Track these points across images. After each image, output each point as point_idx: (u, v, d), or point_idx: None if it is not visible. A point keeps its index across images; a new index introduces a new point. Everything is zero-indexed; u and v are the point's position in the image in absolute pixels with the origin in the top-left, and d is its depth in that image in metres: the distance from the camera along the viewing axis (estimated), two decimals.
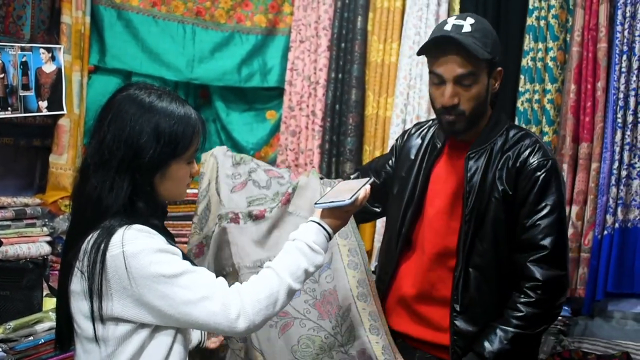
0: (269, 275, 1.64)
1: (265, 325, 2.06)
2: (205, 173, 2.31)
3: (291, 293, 1.65)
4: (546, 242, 1.92)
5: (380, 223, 3.48)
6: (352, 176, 2.36)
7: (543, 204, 1.95)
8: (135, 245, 1.52)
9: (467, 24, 1.93)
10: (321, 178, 2.25)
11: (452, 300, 2.02)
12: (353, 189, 1.77)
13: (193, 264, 1.63)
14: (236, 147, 3.87)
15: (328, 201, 1.73)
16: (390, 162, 2.33)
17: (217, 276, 1.62)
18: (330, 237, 1.74)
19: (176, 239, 3.64)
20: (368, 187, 1.80)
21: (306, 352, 2.08)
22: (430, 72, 2.01)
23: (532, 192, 1.95)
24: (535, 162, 1.97)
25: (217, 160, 2.31)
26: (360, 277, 2.11)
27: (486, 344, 1.92)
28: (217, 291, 1.57)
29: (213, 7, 3.73)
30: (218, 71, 3.74)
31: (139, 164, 1.58)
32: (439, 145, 2.15)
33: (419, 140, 2.22)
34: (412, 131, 2.30)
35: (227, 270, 2.16)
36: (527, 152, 1.99)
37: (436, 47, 1.96)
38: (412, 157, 2.20)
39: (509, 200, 1.97)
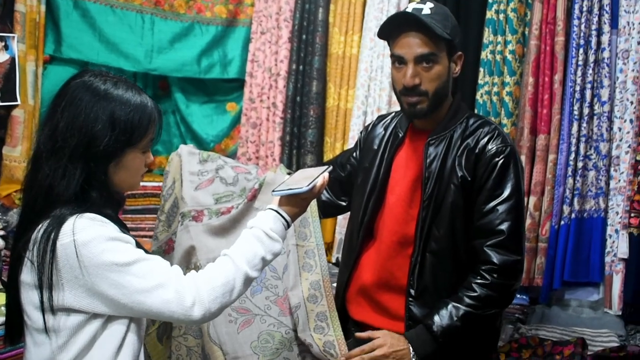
0: (225, 262, 1.62)
1: (225, 320, 2.05)
2: (170, 172, 2.30)
3: (248, 281, 1.64)
4: (503, 227, 1.93)
5: (342, 215, 3.48)
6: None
7: (501, 190, 1.96)
8: (86, 234, 1.49)
9: (427, 8, 1.97)
10: (289, 173, 2.25)
11: (408, 286, 2.03)
12: (311, 176, 1.77)
13: (146, 252, 1.60)
14: (196, 139, 3.84)
15: (286, 189, 1.72)
16: (354, 154, 2.34)
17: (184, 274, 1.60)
18: (288, 225, 1.73)
19: (135, 233, 3.61)
20: (326, 174, 1.79)
21: (266, 347, 2.07)
22: (391, 55, 2.04)
23: (490, 177, 1.97)
24: (494, 148, 1.98)
25: (181, 159, 2.30)
26: (314, 279, 2.11)
27: (436, 318, 1.93)
28: (171, 279, 1.54)
29: None
30: (177, 62, 3.69)
31: (93, 152, 1.54)
32: (400, 134, 2.15)
33: (382, 131, 2.23)
34: (376, 122, 2.31)
35: (191, 268, 2.15)
36: (486, 139, 2.00)
37: (397, 28, 1.98)
38: (375, 147, 2.21)
39: (468, 186, 1.99)
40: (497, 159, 1.98)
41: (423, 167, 2.04)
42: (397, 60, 2.01)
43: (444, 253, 2.02)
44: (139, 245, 1.61)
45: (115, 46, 3.58)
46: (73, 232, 1.48)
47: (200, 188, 2.24)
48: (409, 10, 1.99)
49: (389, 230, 2.12)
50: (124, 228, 1.65)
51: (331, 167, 1.88)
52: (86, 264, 1.48)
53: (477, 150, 2.00)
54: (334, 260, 3.52)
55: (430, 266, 2.02)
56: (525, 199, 3.14)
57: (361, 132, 2.38)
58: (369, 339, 1.99)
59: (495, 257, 1.92)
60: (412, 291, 2.03)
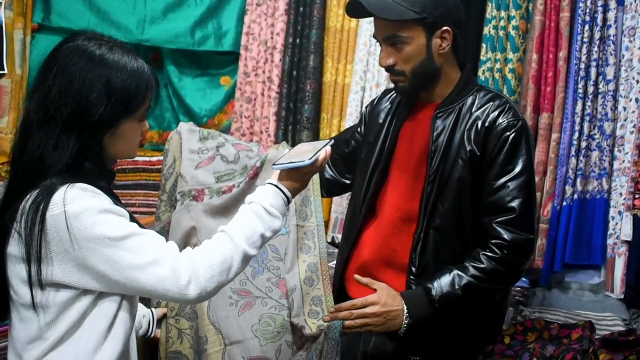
0: (222, 239, 1.54)
1: (225, 303, 1.98)
2: (170, 150, 2.24)
3: (246, 259, 1.55)
4: (514, 204, 1.86)
5: None
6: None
7: (512, 165, 1.89)
8: (78, 205, 1.41)
9: None
10: None
11: (410, 263, 1.97)
12: (313, 149, 1.68)
13: (140, 226, 1.51)
14: (188, 113, 3.75)
15: (287, 162, 1.64)
16: (359, 129, 2.26)
17: None
18: (289, 201, 1.65)
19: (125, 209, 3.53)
20: (329, 148, 1.71)
21: (267, 331, 2.00)
22: (373, 34, 2.00)
23: (502, 152, 1.89)
24: (505, 122, 1.91)
25: (181, 137, 2.23)
26: (311, 260, 2.04)
27: (437, 282, 1.87)
28: (166, 255, 1.46)
29: None
30: (170, 33, 3.59)
31: (87, 122, 1.46)
32: (406, 107, 2.07)
33: (387, 104, 2.15)
34: (382, 96, 2.24)
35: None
36: (496, 112, 1.93)
37: (363, 9, 1.90)
38: (381, 121, 2.13)
39: (476, 161, 1.91)
40: (508, 133, 1.90)
41: (430, 140, 1.96)
42: (376, 40, 1.98)
43: (447, 229, 1.95)
44: (133, 219, 1.52)
45: (106, 15, 3.49)
46: (64, 203, 1.40)
47: (200, 166, 2.17)
48: None
49: (392, 206, 2.05)
50: (118, 200, 1.56)
51: (334, 141, 1.80)
52: (77, 236, 1.40)
53: (487, 124, 1.92)
54: (329, 240, 3.45)
55: (433, 243, 1.95)
56: None
57: (366, 107, 2.31)
58: (368, 288, 1.95)
59: (505, 234, 1.86)
60: (414, 269, 1.96)
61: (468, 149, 1.92)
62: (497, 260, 1.86)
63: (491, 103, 1.96)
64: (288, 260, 2.05)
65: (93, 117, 1.45)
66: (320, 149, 1.67)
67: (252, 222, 1.56)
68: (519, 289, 3.00)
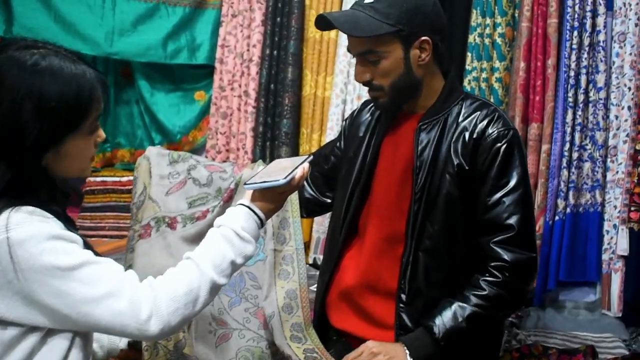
0: (188, 267, 1.37)
1: (205, 330, 1.81)
2: (138, 177, 2.06)
3: (215, 289, 1.38)
4: (512, 221, 1.71)
5: None
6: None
7: (506, 179, 1.74)
8: (23, 230, 1.23)
9: None
10: None
11: (398, 290, 1.80)
12: (290, 166, 1.53)
13: (96, 254, 1.33)
14: (161, 130, 3.59)
15: (260, 181, 1.49)
16: (338, 144, 2.10)
17: None
18: (262, 223, 1.49)
19: (94, 232, 3.35)
20: (306, 165, 1.56)
21: None
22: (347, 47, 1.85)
23: (494, 165, 1.74)
24: (495, 132, 1.76)
25: (150, 162, 2.06)
26: (290, 287, 1.89)
27: (438, 319, 1.71)
28: (124, 286, 1.29)
29: None
30: (141, 46, 3.45)
31: (20, 147, 1.27)
32: (388, 119, 1.92)
33: (368, 117, 2.00)
34: (361, 107, 2.08)
35: None
36: (485, 122, 1.78)
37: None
38: (361, 134, 1.98)
39: (465, 175, 1.76)
40: (499, 144, 1.75)
41: (414, 155, 1.80)
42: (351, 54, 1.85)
43: (438, 251, 1.79)
44: (87, 246, 1.34)
45: (72, 27, 3.34)
46: (7, 228, 1.23)
47: (171, 192, 2.02)
48: None
49: (376, 227, 1.88)
50: (72, 226, 1.38)
51: (312, 157, 1.64)
52: (22, 266, 1.23)
53: (475, 135, 1.77)
54: (310, 261, 3.29)
55: (423, 267, 1.79)
56: None
57: (345, 120, 2.16)
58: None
59: (505, 255, 1.70)
60: (403, 296, 1.80)
61: (456, 162, 1.76)
62: (500, 285, 1.71)
63: (479, 112, 1.80)
64: (265, 287, 1.89)
65: (24, 143, 1.26)
66: (297, 167, 1.52)
67: (221, 248, 1.40)
68: None
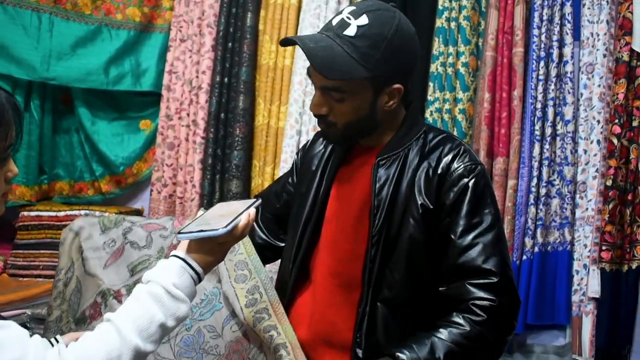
0: (107, 332, 1.13)
1: None
2: (64, 252, 1.85)
3: (140, 356, 1.15)
4: (490, 265, 1.49)
5: None
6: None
7: (479, 218, 1.53)
8: None
9: (355, 25, 1.49)
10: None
11: (354, 344, 1.57)
12: (233, 212, 1.32)
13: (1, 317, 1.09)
14: (103, 161, 3.35)
15: (196, 229, 1.26)
16: (290, 179, 1.88)
17: None
18: (199, 279, 1.26)
19: (27, 272, 3.06)
20: (253, 210, 1.35)
21: None
22: (307, 69, 1.61)
23: (463, 203, 1.54)
24: (462, 167, 1.56)
25: (78, 235, 1.85)
26: (259, 307, 1.64)
27: (408, 351, 1.42)
28: (28, 354, 1.04)
29: None
30: (81, 70, 3.22)
31: None
32: (343, 152, 1.71)
33: (321, 148, 1.79)
34: (315, 138, 1.87)
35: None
36: (450, 157, 1.58)
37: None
38: (314, 168, 1.76)
39: (430, 215, 1.55)
40: (466, 180, 1.56)
41: (371, 194, 1.60)
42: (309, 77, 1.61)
43: (399, 302, 1.56)
44: None
45: (5, 50, 3.09)
46: None
47: (109, 264, 1.80)
48: (337, 20, 1.52)
49: (329, 271, 1.66)
50: None
51: (260, 201, 1.43)
52: None
53: (439, 171, 1.57)
54: None
55: (382, 319, 1.57)
56: None
57: (297, 153, 1.94)
58: None
59: (488, 294, 1.48)
60: (359, 351, 1.57)
61: (419, 202, 1.56)
62: (483, 325, 1.45)
63: (442, 147, 1.61)
64: (236, 319, 1.66)
65: None
66: (241, 213, 1.31)
67: (148, 309, 1.17)
68: None
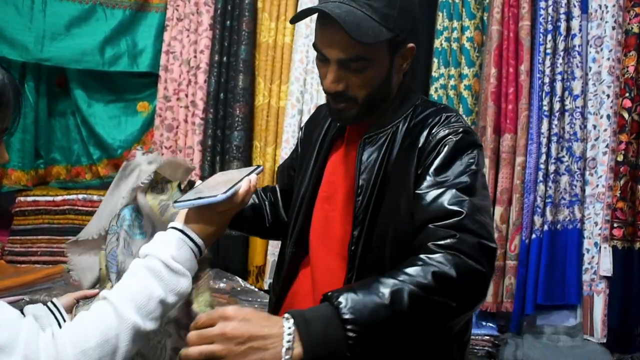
0: (103, 311, 1.06)
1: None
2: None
3: (139, 335, 1.08)
4: (458, 207, 1.30)
5: None
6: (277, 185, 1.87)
7: (451, 172, 1.36)
8: None
9: None
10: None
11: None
12: (233, 179, 1.24)
13: None
14: (100, 145, 3.28)
15: (193, 197, 1.17)
16: (295, 154, 1.80)
17: None
18: (200, 251, 1.19)
19: (24, 258, 2.99)
20: (254, 176, 1.27)
21: None
22: (314, 45, 1.49)
23: (437, 158, 1.39)
24: (443, 130, 1.42)
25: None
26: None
27: (351, 295, 1.11)
28: (19, 339, 0.98)
29: None
30: (75, 51, 3.14)
31: None
32: (336, 129, 1.63)
33: (322, 121, 1.70)
34: (317, 111, 1.78)
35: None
36: (431, 127, 1.44)
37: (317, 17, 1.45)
38: (313, 141, 1.68)
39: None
40: (446, 140, 1.41)
41: (356, 172, 1.51)
42: (320, 54, 1.45)
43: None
44: None
45: None
46: None
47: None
48: None
49: (328, 251, 1.59)
50: None
51: (262, 168, 1.35)
52: None
53: (420, 144, 1.43)
54: (266, 287, 3.00)
55: None
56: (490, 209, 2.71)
57: (301, 128, 1.86)
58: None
59: (455, 233, 1.27)
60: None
61: (408, 181, 1.45)
62: (449, 263, 1.21)
63: (426, 120, 1.48)
64: None
65: None
66: (242, 179, 1.23)
67: (146, 284, 1.10)
68: (487, 337, 2.60)
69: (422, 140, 1.43)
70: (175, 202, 1.18)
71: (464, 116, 2.67)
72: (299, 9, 3.01)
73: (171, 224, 1.18)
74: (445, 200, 1.32)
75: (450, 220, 1.29)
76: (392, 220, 1.44)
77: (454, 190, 1.33)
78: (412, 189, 1.41)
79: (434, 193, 1.34)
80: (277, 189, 1.85)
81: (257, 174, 1.30)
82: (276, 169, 3.03)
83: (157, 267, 1.10)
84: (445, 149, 1.39)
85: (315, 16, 1.44)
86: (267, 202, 1.84)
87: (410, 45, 1.46)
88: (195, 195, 1.18)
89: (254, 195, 1.79)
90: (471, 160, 1.40)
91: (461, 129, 1.42)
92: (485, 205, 1.36)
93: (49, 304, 1.36)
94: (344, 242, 1.53)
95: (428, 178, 1.38)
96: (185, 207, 1.18)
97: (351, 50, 1.38)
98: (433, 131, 1.43)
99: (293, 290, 1.65)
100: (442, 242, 1.24)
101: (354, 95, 1.44)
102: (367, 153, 1.49)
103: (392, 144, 1.47)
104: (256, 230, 1.86)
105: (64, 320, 1.33)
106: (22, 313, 2.22)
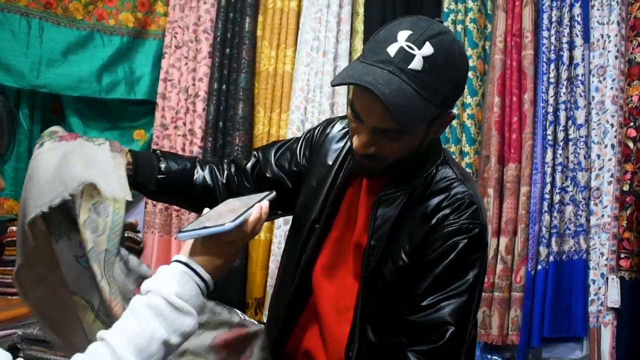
0: (100, 353, 0.99)
1: None
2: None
3: None
4: (442, 331, 1.33)
5: (275, 264, 2.90)
6: (247, 165, 1.68)
7: (454, 281, 1.36)
8: None
9: (420, 57, 1.25)
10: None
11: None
12: (242, 206, 1.16)
13: None
14: None
15: (199, 227, 1.09)
16: (301, 151, 1.67)
17: None
18: (207, 286, 1.11)
19: (15, 290, 2.90)
20: (266, 203, 1.19)
21: None
22: (350, 102, 1.38)
23: (443, 262, 1.36)
24: (457, 224, 1.38)
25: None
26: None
27: None
28: None
29: None
30: (72, 78, 3.07)
31: None
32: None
33: (340, 145, 1.62)
34: (337, 125, 1.66)
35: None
36: (448, 210, 1.39)
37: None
38: (330, 163, 1.59)
39: (409, 269, 1.39)
40: (457, 239, 1.37)
41: (369, 231, 1.45)
42: (353, 113, 1.36)
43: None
44: None
45: None
46: None
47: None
48: (394, 50, 1.25)
49: (336, 291, 1.53)
50: None
51: (274, 193, 1.27)
52: None
53: (433, 222, 1.39)
54: (265, 320, 2.92)
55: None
56: (495, 240, 2.69)
57: (316, 129, 1.70)
58: None
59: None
60: None
61: (405, 251, 1.40)
62: None
63: (445, 194, 1.41)
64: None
65: None
66: (252, 206, 1.16)
67: (147, 324, 1.02)
68: None
69: (437, 218, 1.39)
70: (179, 231, 1.10)
71: (467, 146, 2.66)
72: (299, 39, 2.99)
73: (175, 257, 1.11)
74: (436, 319, 1.34)
75: (428, 347, 1.33)
76: (391, 284, 1.41)
77: (450, 307, 1.34)
78: (408, 261, 1.39)
79: (432, 299, 1.35)
80: (248, 171, 1.67)
81: (270, 200, 1.22)
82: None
83: (160, 306, 1.03)
84: (456, 251, 1.36)
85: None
86: (221, 184, 1.65)
87: (453, 114, 1.40)
88: (201, 224, 1.11)
89: (207, 173, 1.64)
90: (478, 266, 1.38)
91: (477, 230, 1.38)
92: (468, 322, 1.37)
93: None
94: (351, 289, 1.48)
95: (430, 280, 1.37)
96: (189, 238, 1.10)
97: (391, 124, 1.29)
98: (450, 219, 1.38)
99: (299, 327, 1.59)
100: None
101: (383, 157, 1.37)
102: (382, 212, 1.43)
103: (407, 206, 1.42)
104: (189, 205, 1.73)
105: None
106: (17, 348, 2.12)
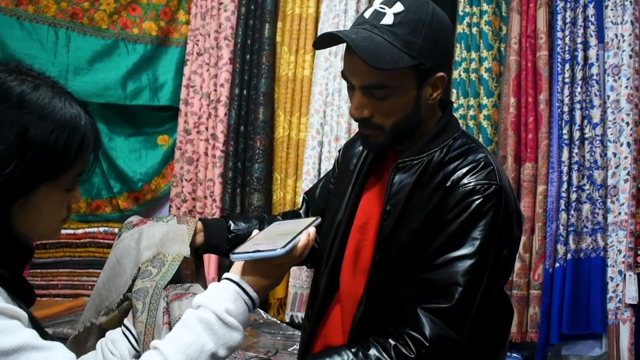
0: None
1: None
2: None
3: None
4: (452, 291, 1.37)
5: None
6: (301, 210, 1.84)
7: (467, 240, 1.39)
8: None
9: (391, 13, 1.39)
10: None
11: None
12: (291, 231, 1.23)
13: (43, 334, 1.02)
14: (121, 178, 3.30)
15: (251, 250, 1.17)
16: (334, 175, 1.78)
17: None
18: (254, 305, 1.18)
19: (44, 292, 2.99)
20: (313, 229, 1.26)
21: None
22: (342, 72, 1.49)
23: (457, 220, 1.40)
24: (472, 183, 1.41)
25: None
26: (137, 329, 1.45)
27: None
28: None
29: (92, 9, 3.17)
30: (98, 85, 3.18)
31: None
32: (375, 155, 1.63)
33: (359, 148, 1.69)
34: (355, 137, 1.77)
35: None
36: (464, 170, 1.43)
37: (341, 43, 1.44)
38: (351, 168, 1.67)
39: (427, 232, 1.43)
40: (472, 198, 1.40)
41: (385, 197, 1.51)
42: (347, 82, 1.48)
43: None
44: (34, 323, 1.04)
45: None
46: None
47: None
48: (369, 12, 1.42)
49: (356, 281, 1.58)
50: (24, 294, 1.09)
51: (319, 220, 1.34)
52: None
53: (448, 183, 1.43)
54: (287, 319, 2.98)
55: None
56: None
57: (340, 150, 1.83)
58: None
59: (429, 328, 1.36)
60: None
61: (423, 216, 1.44)
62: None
63: (461, 159, 1.46)
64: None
65: None
66: (300, 232, 1.22)
67: (198, 337, 1.09)
68: None
69: (452, 180, 1.43)
70: (233, 253, 1.17)
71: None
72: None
73: (226, 275, 1.18)
74: (447, 277, 1.38)
75: (437, 306, 1.37)
76: (407, 246, 1.46)
77: (461, 266, 1.37)
78: (424, 225, 1.43)
79: (444, 258, 1.39)
80: (302, 214, 1.82)
81: (316, 226, 1.29)
82: (297, 200, 3.04)
83: (210, 320, 1.10)
84: (470, 209, 1.39)
85: (337, 49, 1.46)
86: None
87: (440, 74, 1.46)
88: (253, 247, 1.18)
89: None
90: (492, 225, 1.40)
91: (493, 187, 1.40)
92: (478, 285, 1.39)
93: (122, 327, 1.37)
94: (366, 256, 1.53)
95: (444, 238, 1.40)
96: (242, 260, 1.17)
97: (371, 77, 1.38)
98: (464, 180, 1.42)
99: (325, 321, 1.64)
100: (416, 337, 1.35)
101: (379, 123, 1.43)
102: (399, 178, 1.48)
103: (424, 173, 1.46)
104: None
105: (137, 342, 1.33)
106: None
